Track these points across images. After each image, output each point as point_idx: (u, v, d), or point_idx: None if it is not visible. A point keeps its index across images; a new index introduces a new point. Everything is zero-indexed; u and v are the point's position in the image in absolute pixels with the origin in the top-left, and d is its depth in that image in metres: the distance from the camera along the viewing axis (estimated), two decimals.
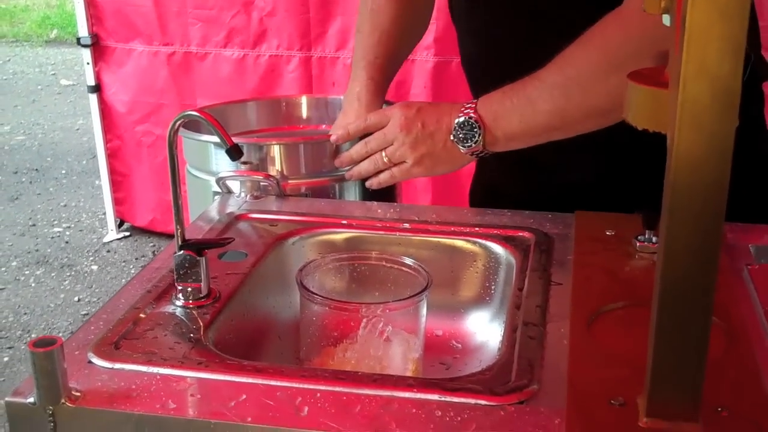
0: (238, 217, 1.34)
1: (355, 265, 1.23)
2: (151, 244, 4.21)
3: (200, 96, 3.70)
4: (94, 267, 4.08)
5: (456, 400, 0.84)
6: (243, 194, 1.42)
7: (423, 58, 3.28)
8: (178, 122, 1.05)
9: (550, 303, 1.05)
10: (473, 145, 1.30)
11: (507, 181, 1.51)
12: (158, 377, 0.89)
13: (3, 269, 4.06)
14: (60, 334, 3.27)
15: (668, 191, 0.70)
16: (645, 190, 1.00)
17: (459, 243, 1.27)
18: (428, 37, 3.24)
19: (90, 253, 4.22)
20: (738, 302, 1.02)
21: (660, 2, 0.73)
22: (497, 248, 1.25)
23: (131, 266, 4.03)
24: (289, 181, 1.43)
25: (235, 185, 1.43)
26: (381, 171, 1.40)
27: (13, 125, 6.46)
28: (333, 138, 1.42)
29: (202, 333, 1.00)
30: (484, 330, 1.24)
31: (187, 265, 1.06)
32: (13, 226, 4.56)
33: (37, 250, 4.26)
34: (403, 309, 1.12)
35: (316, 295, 1.11)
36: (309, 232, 1.31)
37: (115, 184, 4.13)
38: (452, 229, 1.28)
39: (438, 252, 1.28)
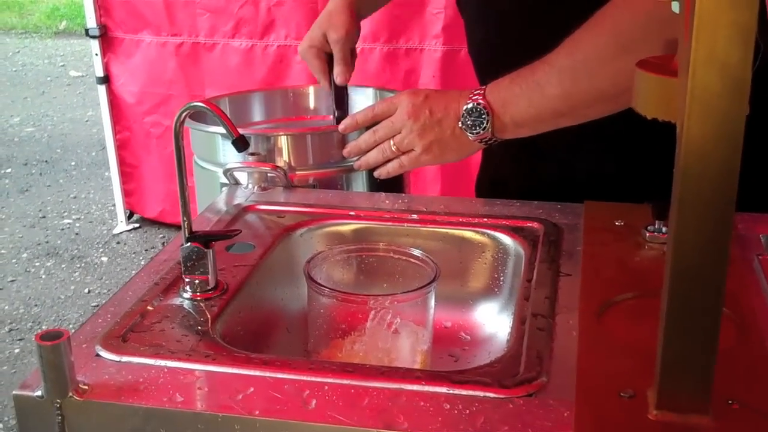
0: (246, 209, 1.33)
1: (363, 256, 1.22)
2: (161, 236, 4.22)
3: (209, 87, 3.70)
4: (104, 258, 4.09)
5: (464, 392, 0.84)
6: (250, 185, 1.41)
7: (431, 48, 3.27)
8: (184, 113, 1.05)
9: (559, 294, 1.04)
10: (482, 131, 1.28)
11: (514, 173, 1.50)
12: (166, 370, 0.89)
13: (13, 261, 4.08)
14: (70, 326, 3.28)
15: (678, 181, 0.69)
16: (654, 180, 0.99)
17: (467, 234, 1.27)
18: (437, 26, 3.23)
19: (100, 245, 4.22)
20: (749, 293, 1.02)
21: None
22: (506, 239, 1.24)
23: (141, 258, 4.04)
24: (297, 172, 1.42)
25: (242, 176, 1.42)
26: (389, 160, 1.39)
27: (23, 117, 6.47)
28: (341, 128, 1.41)
29: (209, 325, 0.99)
30: (493, 321, 1.23)
31: (194, 257, 1.05)
32: (23, 217, 4.58)
33: (47, 242, 4.27)
34: (412, 301, 1.11)
35: (324, 287, 1.10)
36: (317, 224, 1.30)
37: (125, 176, 4.14)
38: (460, 219, 1.28)
39: (446, 243, 1.27)
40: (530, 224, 1.25)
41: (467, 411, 0.81)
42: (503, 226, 1.26)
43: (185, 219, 1.07)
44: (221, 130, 1.16)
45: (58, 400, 0.84)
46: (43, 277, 3.92)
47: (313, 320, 1.14)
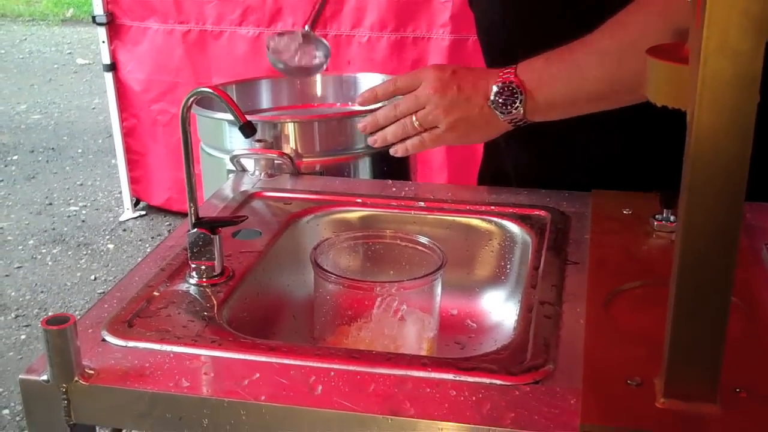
0: (252, 196, 1.33)
1: (369, 243, 1.22)
2: (167, 223, 4.22)
3: (215, 74, 3.69)
4: (111, 246, 4.09)
5: (470, 379, 0.84)
6: (257, 172, 1.41)
7: (439, 36, 3.27)
8: (191, 99, 1.05)
9: (566, 282, 1.04)
10: (514, 111, 1.24)
11: (517, 164, 1.49)
12: (171, 355, 0.89)
13: (20, 248, 4.09)
14: (76, 313, 3.29)
15: (687, 169, 0.69)
16: (662, 169, 0.98)
17: (474, 222, 1.27)
18: (444, 15, 3.22)
19: (106, 232, 4.23)
20: (757, 282, 1.01)
21: None
22: (513, 227, 1.24)
23: (147, 245, 4.05)
24: (304, 159, 1.42)
25: (249, 163, 1.42)
26: (409, 137, 1.33)
27: (30, 104, 6.48)
28: (359, 101, 1.37)
29: (215, 311, 0.99)
30: (500, 309, 1.23)
31: (200, 243, 1.05)
32: (29, 204, 4.58)
33: (53, 229, 4.28)
34: (418, 288, 1.11)
35: (331, 273, 1.10)
36: (323, 211, 1.30)
37: (131, 163, 4.14)
38: (467, 207, 1.28)
39: (453, 231, 1.27)
40: (537, 212, 1.24)
41: (473, 398, 0.81)
42: (510, 214, 1.25)
43: (192, 205, 1.07)
44: (228, 116, 1.15)
45: (64, 385, 0.84)
46: (50, 263, 3.93)
47: (319, 307, 1.14)
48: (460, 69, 1.28)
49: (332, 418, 0.80)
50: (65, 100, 6.55)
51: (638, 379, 0.80)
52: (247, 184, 1.37)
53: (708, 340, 0.73)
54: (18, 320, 3.45)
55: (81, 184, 4.87)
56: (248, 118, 1.09)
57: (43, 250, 4.06)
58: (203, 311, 0.99)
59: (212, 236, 1.06)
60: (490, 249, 1.26)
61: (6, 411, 2.85)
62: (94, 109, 6.29)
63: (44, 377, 0.84)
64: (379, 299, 1.09)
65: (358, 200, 1.31)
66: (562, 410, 0.79)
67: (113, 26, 3.87)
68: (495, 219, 1.26)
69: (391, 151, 1.35)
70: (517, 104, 1.23)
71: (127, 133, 4.06)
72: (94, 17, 3.87)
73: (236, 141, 1.41)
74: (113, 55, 3.92)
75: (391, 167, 1.42)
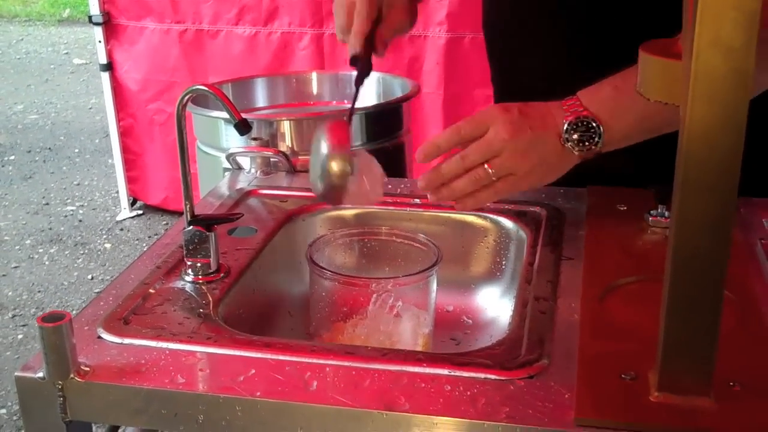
0: (249, 193, 1.33)
1: (365, 240, 1.22)
2: (164, 223, 4.21)
3: (212, 74, 3.69)
4: (108, 245, 4.09)
5: (466, 374, 0.84)
6: (253, 170, 1.41)
7: (435, 34, 3.26)
8: (187, 97, 1.05)
9: (561, 278, 1.04)
10: (594, 147, 1.11)
11: None
12: (167, 352, 0.89)
13: (17, 247, 4.08)
14: (73, 312, 3.28)
15: (681, 164, 0.69)
16: (658, 165, 0.98)
17: (470, 218, 1.27)
18: (440, 13, 3.22)
19: (103, 232, 4.22)
20: (751, 276, 1.02)
21: None
22: (508, 223, 1.24)
23: (144, 244, 4.04)
24: (299, 157, 1.42)
25: (245, 161, 1.42)
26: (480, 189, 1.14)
27: (27, 104, 6.47)
28: (419, 157, 1.14)
29: (211, 308, 1.00)
30: (495, 305, 1.23)
31: (196, 240, 1.06)
32: (26, 204, 4.58)
33: (50, 229, 4.27)
34: (413, 284, 1.11)
35: (326, 270, 1.10)
36: (319, 208, 1.30)
37: (128, 163, 4.13)
38: None
39: (448, 227, 1.27)
40: (533, 208, 1.25)
41: (468, 393, 0.81)
42: (505, 210, 1.25)
43: (187, 202, 1.07)
44: (224, 114, 1.16)
45: (60, 382, 0.84)
46: (47, 263, 3.92)
47: (315, 303, 1.15)
48: (524, 107, 1.14)
49: (328, 414, 0.80)
50: (62, 100, 6.54)
51: (632, 373, 0.80)
52: (243, 182, 1.37)
53: (702, 334, 0.73)
54: (15, 320, 3.44)
55: (78, 184, 4.87)
56: (244, 116, 1.09)
57: (40, 250, 4.05)
58: (199, 308, 0.99)
59: (208, 233, 1.06)
60: (485, 245, 1.26)
61: (3, 410, 2.84)
62: (90, 108, 6.28)
63: (40, 374, 0.84)
64: (374, 295, 1.09)
65: None
66: (556, 404, 0.79)
67: (110, 26, 3.86)
68: (490, 215, 1.26)
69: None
70: (597, 139, 1.11)
71: (124, 133, 4.05)
72: (90, 17, 3.86)
73: (232, 139, 1.42)
74: (110, 54, 3.91)
75: (387, 165, 1.42)
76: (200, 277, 1.06)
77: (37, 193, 4.72)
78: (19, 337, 3.33)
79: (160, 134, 3.94)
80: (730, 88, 0.65)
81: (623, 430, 0.75)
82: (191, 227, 1.06)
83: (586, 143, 1.10)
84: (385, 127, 1.58)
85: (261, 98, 1.73)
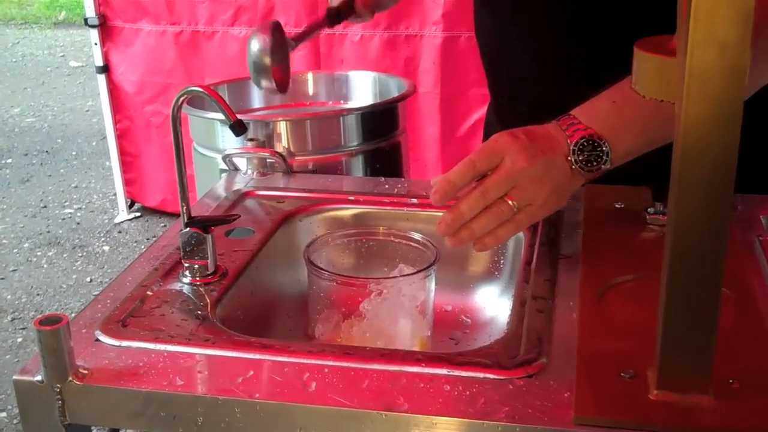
0: (245, 195, 1.33)
1: (362, 240, 1.22)
2: (162, 224, 4.21)
3: (208, 75, 3.69)
4: (106, 248, 4.08)
5: (464, 374, 0.84)
6: (250, 171, 1.41)
7: (431, 34, 3.26)
8: (182, 98, 1.05)
9: (559, 276, 1.04)
10: (603, 166, 1.06)
11: None
12: (165, 354, 0.89)
13: (15, 251, 4.08)
14: (72, 315, 3.28)
15: (676, 161, 0.69)
16: (655, 162, 0.98)
17: None
18: (436, 13, 3.22)
19: (101, 234, 4.22)
20: (749, 273, 1.02)
21: None
22: None
23: (142, 246, 4.04)
24: (296, 158, 1.42)
25: (241, 162, 1.42)
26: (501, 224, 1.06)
27: (23, 107, 6.47)
28: (435, 199, 1.04)
29: (209, 310, 0.99)
30: (493, 304, 1.23)
31: (193, 242, 1.05)
32: (24, 207, 4.57)
33: (48, 232, 4.27)
34: (412, 284, 1.11)
35: (324, 270, 1.10)
36: (316, 209, 1.30)
37: (126, 165, 4.13)
38: None
39: None
40: None
41: (467, 392, 0.81)
42: None
43: (184, 204, 1.07)
44: (220, 116, 1.15)
45: (58, 385, 0.84)
46: (45, 266, 3.92)
47: (313, 304, 1.14)
48: (528, 131, 1.08)
49: (327, 415, 0.80)
50: (59, 103, 6.54)
51: (631, 371, 0.80)
52: (239, 183, 1.37)
53: (700, 331, 0.73)
54: (14, 323, 3.44)
55: (75, 187, 4.86)
56: (240, 117, 1.09)
57: (38, 253, 4.05)
58: (197, 310, 0.99)
59: (205, 235, 1.06)
60: None
61: (3, 414, 2.84)
62: (87, 111, 6.27)
63: (38, 378, 0.84)
64: (372, 296, 1.09)
65: (351, 198, 1.31)
66: (555, 403, 0.79)
67: (105, 28, 3.86)
68: None
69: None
70: (605, 158, 1.06)
71: (121, 135, 4.05)
72: (86, 19, 3.86)
73: (228, 140, 1.41)
74: (106, 57, 3.91)
75: (383, 165, 1.42)
76: (198, 278, 1.06)
77: (34, 196, 4.72)
78: (19, 340, 3.33)
79: (157, 136, 3.95)
80: (725, 85, 0.65)
81: (623, 428, 0.75)
82: (188, 229, 1.06)
83: (594, 163, 1.06)
84: (382, 127, 1.58)
85: (257, 99, 1.73)
